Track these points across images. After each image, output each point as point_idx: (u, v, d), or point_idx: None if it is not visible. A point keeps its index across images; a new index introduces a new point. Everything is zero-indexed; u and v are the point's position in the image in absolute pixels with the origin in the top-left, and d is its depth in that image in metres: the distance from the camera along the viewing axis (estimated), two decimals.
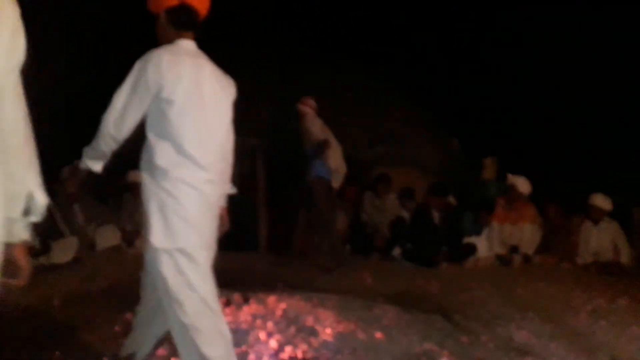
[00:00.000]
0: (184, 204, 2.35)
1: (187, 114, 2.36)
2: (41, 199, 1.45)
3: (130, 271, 4.90)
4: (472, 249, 6.09)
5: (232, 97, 2.60)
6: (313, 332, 3.22)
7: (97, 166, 2.50)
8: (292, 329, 3.24)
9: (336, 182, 6.05)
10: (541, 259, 6.17)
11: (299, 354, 2.94)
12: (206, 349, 2.31)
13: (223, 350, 2.38)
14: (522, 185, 6.34)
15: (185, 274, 2.33)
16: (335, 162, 5.97)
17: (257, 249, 6.38)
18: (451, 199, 6.55)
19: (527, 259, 6.17)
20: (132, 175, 6.03)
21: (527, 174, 6.47)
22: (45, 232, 4.92)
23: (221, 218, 2.65)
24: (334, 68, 8.20)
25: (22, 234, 1.43)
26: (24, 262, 1.46)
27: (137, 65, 2.35)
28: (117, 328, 3.27)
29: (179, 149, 2.35)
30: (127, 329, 3.21)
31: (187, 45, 2.50)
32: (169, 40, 2.49)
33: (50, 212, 4.92)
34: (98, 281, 4.51)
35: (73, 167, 2.67)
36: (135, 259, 5.42)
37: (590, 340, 3.56)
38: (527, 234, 6.27)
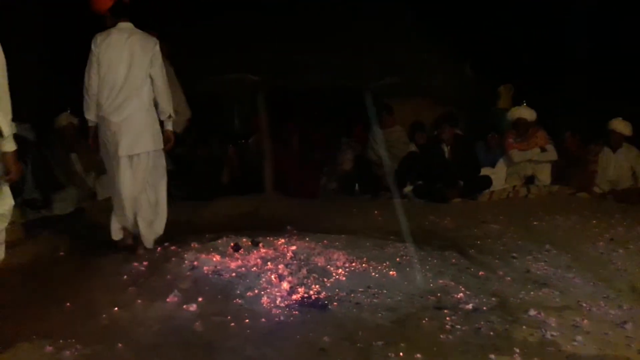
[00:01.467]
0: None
1: (107, 69, 3.59)
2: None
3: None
4: (486, 181, 5.95)
5: (150, 53, 3.66)
6: (325, 273, 3.17)
7: (92, 117, 3.71)
8: (304, 271, 3.19)
9: (177, 127, 5.23)
10: (558, 190, 6.04)
11: (312, 295, 2.88)
12: None
13: None
14: (527, 113, 6.16)
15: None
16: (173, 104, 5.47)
17: (263, 190, 6.21)
18: (458, 130, 6.32)
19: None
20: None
21: (544, 104, 6.24)
22: (46, 184, 4.85)
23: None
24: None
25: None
26: (13, 165, 2.42)
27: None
28: (125, 277, 3.22)
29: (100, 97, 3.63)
30: (135, 278, 3.19)
31: (123, 26, 3.66)
32: (113, 25, 3.66)
33: (48, 163, 4.87)
34: (101, 230, 4.46)
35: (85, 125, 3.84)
36: None
37: (609, 269, 3.47)
38: (541, 158, 6.11)
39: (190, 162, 6.09)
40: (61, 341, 2.39)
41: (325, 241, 3.76)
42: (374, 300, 2.85)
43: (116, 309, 2.76)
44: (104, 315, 2.69)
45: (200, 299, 2.84)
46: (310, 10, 7.23)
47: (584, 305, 2.81)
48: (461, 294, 2.93)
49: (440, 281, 3.12)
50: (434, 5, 7.41)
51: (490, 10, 7.42)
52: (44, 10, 6.20)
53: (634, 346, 2.34)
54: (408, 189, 6.01)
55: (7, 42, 2.37)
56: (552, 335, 2.43)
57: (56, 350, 2.32)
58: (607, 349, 2.32)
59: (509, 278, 3.24)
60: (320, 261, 3.33)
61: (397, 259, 3.46)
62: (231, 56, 6.48)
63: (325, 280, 3.07)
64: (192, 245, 3.66)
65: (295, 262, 3.35)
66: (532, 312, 2.67)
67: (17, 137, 2.46)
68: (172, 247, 3.67)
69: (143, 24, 3.82)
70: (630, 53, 6.81)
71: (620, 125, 5.92)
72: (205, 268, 3.24)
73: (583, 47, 7.42)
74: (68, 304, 2.86)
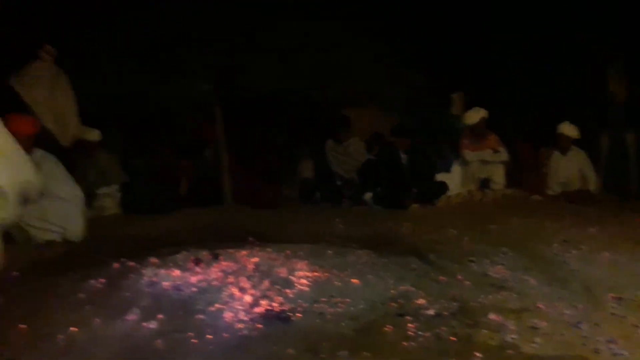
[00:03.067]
0: None
1: None
2: None
3: (88, 235, 4.76)
4: (443, 187, 6.07)
5: None
6: (288, 284, 3.15)
7: None
8: (266, 282, 3.16)
9: (63, 140, 5.61)
10: (513, 193, 6.21)
11: (275, 307, 2.86)
12: None
13: None
14: (485, 114, 6.34)
15: None
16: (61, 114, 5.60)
17: (221, 202, 6.14)
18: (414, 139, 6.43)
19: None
20: (84, 134, 5.78)
21: (494, 109, 6.42)
22: None
23: None
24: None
25: None
26: None
27: None
28: (82, 295, 3.12)
29: None
30: (92, 296, 3.10)
31: None
32: None
33: None
34: (56, 248, 4.32)
35: None
36: (92, 222, 5.29)
37: (563, 269, 3.58)
38: (493, 158, 6.27)
39: (145, 174, 5.97)
40: None
41: (287, 251, 3.74)
42: (337, 309, 2.85)
43: (74, 328, 2.67)
44: (62, 336, 2.60)
45: (160, 316, 2.77)
46: (265, 15, 7.20)
47: (541, 306, 2.88)
48: (422, 300, 2.96)
49: (402, 287, 3.14)
50: (391, 13, 7.51)
51: (444, 20, 7.58)
52: None
53: (589, 345, 2.42)
54: (367, 196, 6.07)
55: None
56: (512, 338, 2.49)
57: None
58: (564, 350, 2.39)
59: (468, 282, 3.29)
60: (282, 272, 3.30)
61: (359, 267, 3.47)
62: (179, 62, 6.39)
63: (288, 291, 3.05)
64: (150, 260, 3.57)
65: (257, 274, 3.31)
66: (492, 316, 2.73)
67: None
68: (130, 263, 3.58)
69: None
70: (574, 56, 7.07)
71: (568, 129, 6.15)
72: (164, 283, 3.18)
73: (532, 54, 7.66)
74: (24, 325, 2.75)
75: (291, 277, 3.24)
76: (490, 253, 3.89)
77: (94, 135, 5.60)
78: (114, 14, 6.25)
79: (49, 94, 5.70)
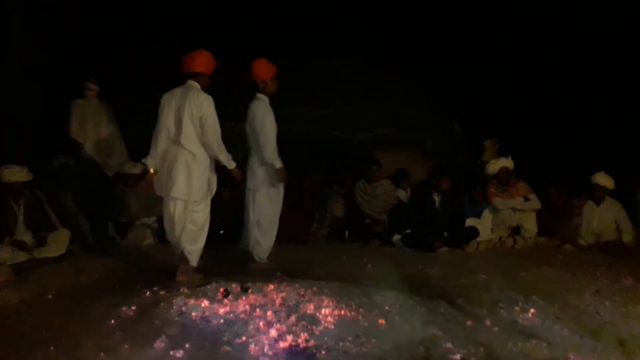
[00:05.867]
0: None
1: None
2: None
3: (124, 263, 4.87)
4: (474, 232, 6.02)
5: (195, 107, 4.17)
6: (314, 320, 3.16)
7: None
8: (293, 318, 3.18)
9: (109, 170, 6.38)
10: (544, 241, 6.11)
11: (301, 343, 2.87)
12: None
13: None
14: (507, 162, 6.33)
15: None
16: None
17: None
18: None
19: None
20: (126, 167, 6.00)
21: (527, 158, 6.41)
22: (37, 225, 4.85)
23: None
24: (331, 49, 8.05)
25: None
26: None
27: None
28: (112, 321, 3.19)
29: None
30: (123, 323, 3.16)
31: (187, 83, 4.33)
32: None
33: (41, 204, 4.90)
34: (91, 274, 4.42)
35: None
36: (128, 251, 5.41)
37: (596, 320, 3.49)
38: (525, 207, 6.20)
39: None
40: None
41: (314, 288, 3.75)
42: (363, 349, 2.84)
43: (102, 354, 2.73)
44: None
45: (187, 345, 2.82)
46: (307, 60, 7.44)
47: (572, 358, 2.82)
48: (449, 344, 2.92)
49: (429, 331, 3.12)
50: (426, 62, 7.69)
51: (479, 70, 7.71)
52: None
53: None
54: (396, 237, 6.06)
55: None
56: None
57: None
58: None
59: (496, 328, 3.25)
60: (309, 308, 3.32)
61: (386, 308, 3.45)
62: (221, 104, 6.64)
63: (314, 328, 3.05)
64: (181, 290, 3.64)
65: (284, 309, 3.33)
66: None
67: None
68: (162, 292, 3.65)
69: None
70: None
71: (603, 179, 6.07)
72: (193, 314, 3.23)
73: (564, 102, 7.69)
74: (52, 347, 2.83)
75: (318, 314, 3.25)
76: (520, 301, 3.82)
77: (137, 168, 5.83)
78: None
79: (93, 126, 6.07)
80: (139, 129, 5.49)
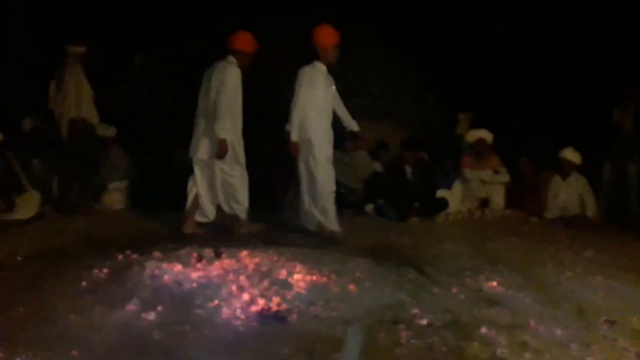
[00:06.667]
0: None
1: None
2: None
3: (96, 227, 4.84)
4: (444, 203, 6.13)
5: (220, 75, 4.57)
6: (286, 285, 3.21)
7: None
8: (265, 283, 3.22)
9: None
10: (511, 214, 6.26)
11: (272, 307, 2.92)
12: None
13: None
14: (486, 134, 6.44)
15: None
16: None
17: None
18: (423, 154, 6.54)
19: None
20: (100, 130, 5.90)
21: (500, 130, 6.50)
22: (8, 188, 4.77)
23: None
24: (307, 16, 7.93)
25: None
26: None
27: None
28: (83, 284, 3.19)
29: None
30: (94, 285, 3.16)
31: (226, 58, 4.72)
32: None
33: (11, 166, 4.83)
34: (63, 237, 4.38)
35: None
36: (101, 215, 5.36)
37: (557, 290, 3.61)
38: (493, 179, 6.34)
39: (155, 171, 6.06)
40: (12, 347, 2.35)
41: (288, 254, 3.79)
42: (333, 313, 2.91)
43: (72, 315, 2.73)
44: (59, 322, 2.66)
45: (159, 308, 2.84)
46: (279, 30, 7.33)
47: (533, 324, 2.92)
48: (417, 310, 3.01)
49: (398, 297, 3.20)
50: (403, 34, 7.66)
51: (456, 43, 7.72)
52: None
53: None
54: (369, 207, 6.13)
55: None
56: (502, 353, 2.53)
57: (6, 356, 2.28)
58: None
59: (462, 296, 3.34)
60: (282, 274, 3.36)
61: (357, 274, 3.52)
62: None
63: (286, 292, 3.10)
64: (154, 254, 3.64)
65: (257, 274, 3.37)
66: (484, 330, 2.77)
67: None
68: (134, 256, 3.65)
69: None
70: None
71: (571, 155, 6.21)
72: (166, 277, 3.24)
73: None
74: (21, 308, 2.82)
75: (290, 280, 3.30)
76: (486, 270, 3.93)
77: (109, 131, 5.73)
78: None
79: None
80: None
